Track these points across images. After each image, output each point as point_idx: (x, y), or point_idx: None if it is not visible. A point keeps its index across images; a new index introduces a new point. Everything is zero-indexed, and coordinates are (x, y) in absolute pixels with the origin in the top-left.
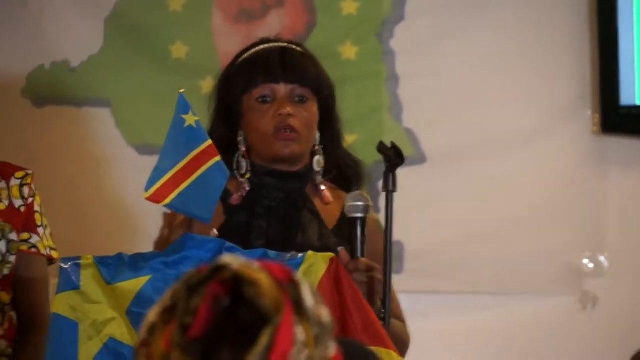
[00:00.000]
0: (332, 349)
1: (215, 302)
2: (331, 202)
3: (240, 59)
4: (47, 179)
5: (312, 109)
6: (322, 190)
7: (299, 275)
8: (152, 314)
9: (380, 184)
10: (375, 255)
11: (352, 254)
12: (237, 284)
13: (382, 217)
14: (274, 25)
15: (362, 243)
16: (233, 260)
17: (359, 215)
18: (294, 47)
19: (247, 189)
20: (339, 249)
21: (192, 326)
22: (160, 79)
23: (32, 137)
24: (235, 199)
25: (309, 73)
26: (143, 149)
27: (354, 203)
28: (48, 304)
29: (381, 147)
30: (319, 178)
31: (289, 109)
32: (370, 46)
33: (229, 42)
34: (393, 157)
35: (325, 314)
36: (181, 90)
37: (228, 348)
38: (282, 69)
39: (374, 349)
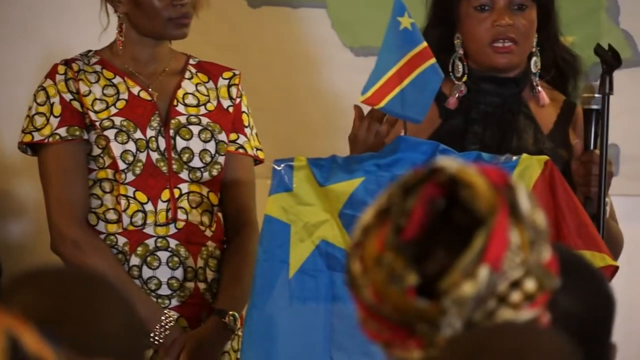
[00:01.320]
0: (547, 253)
1: (430, 204)
2: (547, 103)
3: None
4: (261, 79)
5: (531, 16)
6: (539, 92)
7: (515, 178)
8: (366, 216)
9: (597, 86)
10: None
11: (586, 146)
12: (453, 186)
13: None
14: None
15: (597, 135)
16: (449, 162)
17: (595, 107)
18: None
19: (463, 92)
20: (575, 142)
21: (407, 228)
22: None
23: (247, 37)
24: (451, 102)
25: None
26: (359, 51)
27: (590, 94)
28: (254, 205)
29: (598, 50)
30: (536, 79)
31: (507, 20)
32: None
33: None
34: (610, 60)
35: (541, 218)
36: None
37: (441, 250)
38: None
39: (587, 252)
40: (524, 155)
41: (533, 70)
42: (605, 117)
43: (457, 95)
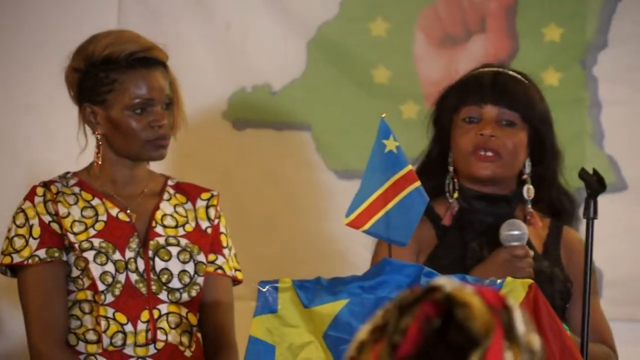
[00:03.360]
0: None
1: (426, 322)
2: (540, 226)
3: (456, 81)
4: (245, 201)
5: (519, 135)
6: (533, 217)
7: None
8: (362, 332)
9: (582, 210)
10: (577, 278)
11: None
12: (449, 305)
13: None
14: (477, 51)
15: None
16: (446, 282)
17: (516, 244)
18: (508, 71)
19: (456, 208)
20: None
21: (402, 345)
22: (362, 103)
23: (232, 159)
24: (446, 219)
25: (518, 98)
26: (343, 174)
27: (510, 232)
28: (233, 325)
29: (583, 174)
30: (529, 207)
31: (490, 130)
32: (574, 73)
33: (431, 67)
34: (594, 184)
35: (536, 341)
36: (382, 115)
37: None
38: (492, 91)
39: None
40: (508, 278)
41: (525, 196)
42: (590, 242)
43: (450, 212)
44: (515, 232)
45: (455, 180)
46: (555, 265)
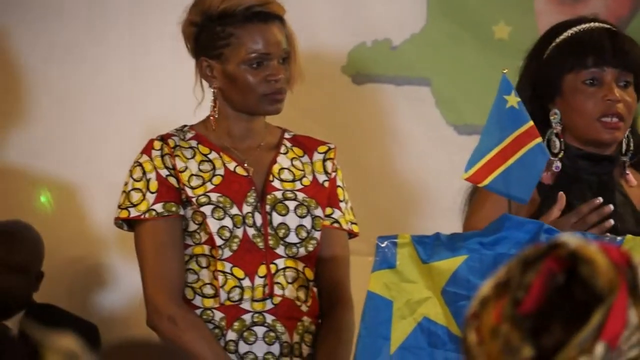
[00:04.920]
0: None
1: (549, 278)
2: (635, 185)
3: (564, 36)
4: (363, 156)
5: (633, 94)
6: (628, 174)
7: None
8: (485, 288)
9: None
10: None
11: None
12: (573, 262)
13: None
14: (597, 8)
15: None
16: (570, 238)
17: None
18: (621, 31)
19: (559, 167)
20: None
21: (525, 301)
22: (482, 59)
23: (350, 114)
24: (546, 177)
25: (635, 58)
26: (462, 129)
27: None
28: (349, 280)
29: None
30: (628, 160)
31: (617, 95)
32: None
33: (552, 23)
34: None
35: None
36: (504, 71)
37: (559, 325)
38: (613, 53)
39: None
40: (628, 236)
41: (625, 150)
42: None
43: (554, 170)
44: None
45: (560, 139)
46: None
